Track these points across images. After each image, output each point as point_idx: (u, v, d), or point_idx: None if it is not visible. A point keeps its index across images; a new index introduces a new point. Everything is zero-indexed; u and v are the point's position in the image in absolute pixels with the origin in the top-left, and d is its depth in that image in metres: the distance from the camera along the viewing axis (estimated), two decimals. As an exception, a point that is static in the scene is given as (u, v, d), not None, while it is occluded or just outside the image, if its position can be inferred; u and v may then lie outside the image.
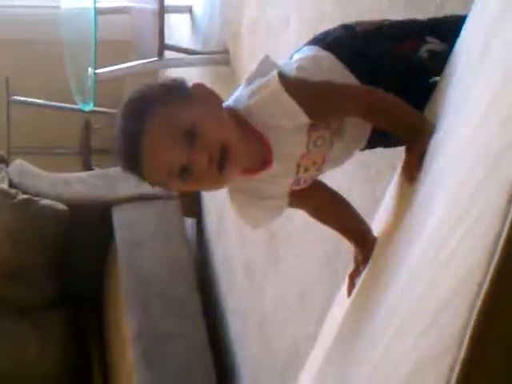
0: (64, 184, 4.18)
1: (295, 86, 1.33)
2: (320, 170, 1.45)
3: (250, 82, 1.37)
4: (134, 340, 3.54)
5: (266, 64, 1.38)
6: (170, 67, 4.30)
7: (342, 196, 1.56)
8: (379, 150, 1.70)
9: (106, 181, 4.19)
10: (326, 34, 1.52)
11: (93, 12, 3.79)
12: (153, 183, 1.36)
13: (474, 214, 0.84)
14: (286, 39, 3.08)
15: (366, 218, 1.57)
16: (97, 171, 4.68)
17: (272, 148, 1.36)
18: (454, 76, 1.32)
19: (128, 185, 4.04)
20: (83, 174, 4.44)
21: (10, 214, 3.94)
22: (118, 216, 4.03)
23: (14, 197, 3.96)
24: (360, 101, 1.37)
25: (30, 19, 5.34)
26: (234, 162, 1.32)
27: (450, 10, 1.87)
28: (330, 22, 1.58)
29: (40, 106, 5.30)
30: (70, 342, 4.14)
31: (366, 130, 1.44)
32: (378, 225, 1.51)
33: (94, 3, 3.81)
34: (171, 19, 4.53)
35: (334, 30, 1.52)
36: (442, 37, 1.50)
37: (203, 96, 1.35)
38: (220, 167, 1.29)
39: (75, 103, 4.43)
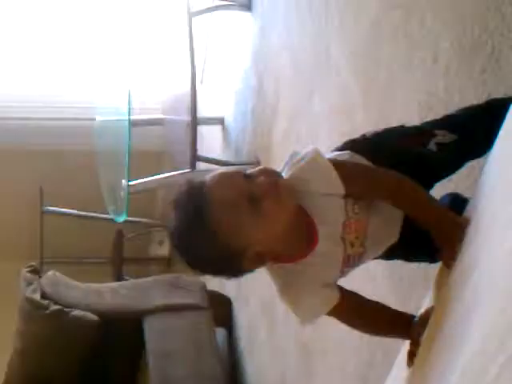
0: (96, 294, 4.17)
1: (334, 161, 1.38)
2: (364, 247, 1.44)
3: (285, 167, 1.42)
4: None
5: (294, 156, 1.41)
6: (203, 179, 4.33)
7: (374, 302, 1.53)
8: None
9: (138, 291, 4.18)
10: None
11: (127, 124, 3.86)
12: (244, 244, 1.34)
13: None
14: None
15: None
16: (128, 281, 4.68)
17: (314, 220, 1.37)
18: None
19: (159, 295, 4.03)
20: (115, 285, 4.44)
21: (42, 325, 3.94)
22: (150, 326, 4.00)
23: (47, 308, 3.96)
24: (391, 184, 1.41)
25: (65, 131, 5.45)
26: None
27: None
28: (358, 134, 1.60)
29: (73, 215, 5.35)
30: None
31: (399, 216, 1.47)
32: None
33: (129, 116, 3.88)
34: (203, 130, 4.61)
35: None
36: (451, 128, 1.55)
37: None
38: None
39: (107, 212, 4.47)
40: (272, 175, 1.35)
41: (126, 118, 3.90)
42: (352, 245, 1.43)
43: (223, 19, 4.76)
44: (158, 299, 4.01)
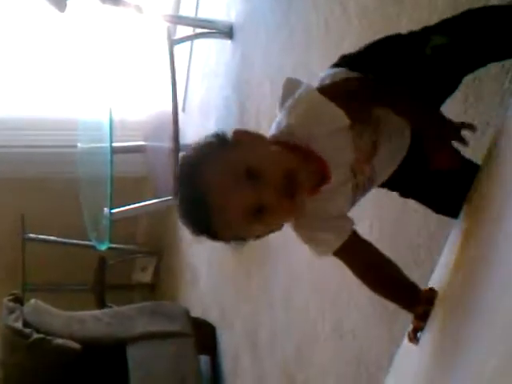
0: (78, 322, 4.15)
1: (329, 90, 1.36)
2: (374, 171, 1.45)
3: (282, 106, 1.40)
4: None
5: (292, 84, 1.41)
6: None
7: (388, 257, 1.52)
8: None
9: (120, 318, 4.17)
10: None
11: (109, 152, 3.86)
12: (230, 237, 1.37)
13: None
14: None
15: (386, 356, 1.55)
16: (111, 309, 4.67)
17: (324, 159, 1.37)
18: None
19: (142, 322, 4.02)
20: (97, 312, 4.42)
21: (25, 353, 3.91)
22: (133, 354, 3.98)
23: (29, 336, 3.94)
24: (385, 91, 1.41)
25: (46, 158, 5.43)
26: (302, 186, 1.33)
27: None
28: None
29: (55, 242, 5.33)
30: None
31: (405, 140, 1.48)
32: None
33: (110, 143, 3.88)
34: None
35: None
36: (446, 32, 1.53)
37: (247, 139, 1.37)
38: (290, 195, 1.31)
39: (90, 239, 4.46)
40: (285, 187, 1.31)
41: (108, 145, 3.90)
42: (362, 172, 1.44)
43: (205, 47, 4.77)
44: (141, 327, 4.00)
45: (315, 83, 1.46)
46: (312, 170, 1.37)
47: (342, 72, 1.49)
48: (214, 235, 1.36)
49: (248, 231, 1.37)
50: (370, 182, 1.48)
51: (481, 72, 1.80)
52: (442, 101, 1.58)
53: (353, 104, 1.36)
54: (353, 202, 1.47)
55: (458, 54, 1.50)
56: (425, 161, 1.44)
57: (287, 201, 1.31)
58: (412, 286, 1.49)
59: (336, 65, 1.55)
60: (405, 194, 1.68)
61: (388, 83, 1.43)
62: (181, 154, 1.35)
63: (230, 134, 1.38)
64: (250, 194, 1.29)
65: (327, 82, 1.45)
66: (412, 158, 1.52)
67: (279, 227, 1.40)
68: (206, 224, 1.33)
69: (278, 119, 1.41)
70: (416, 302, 1.44)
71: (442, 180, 1.55)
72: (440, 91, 1.55)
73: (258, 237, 1.40)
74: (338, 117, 1.34)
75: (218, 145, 1.36)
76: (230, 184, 1.29)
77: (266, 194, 1.29)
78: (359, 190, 1.46)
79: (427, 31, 1.55)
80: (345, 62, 1.54)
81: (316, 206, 1.40)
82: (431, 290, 1.44)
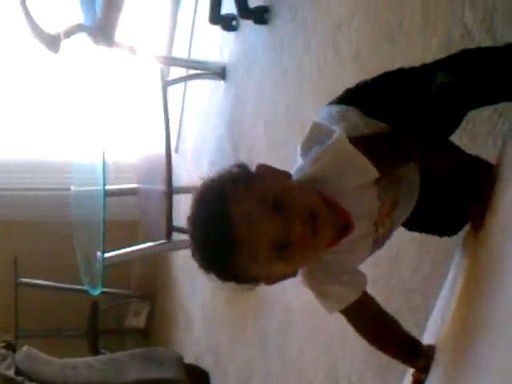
0: (71, 369, 4.08)
1: (361, 142, 1.31)
2: (392, 223, 1.43)
3: (305, 151, 1.36)
4: None
5: (319, 130, 1.36)
6: (179, 249, 4.29)
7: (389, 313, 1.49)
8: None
9: (114, 365, 4.10)
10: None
11: (102, 195, 3.82)
12: (248, 275, 1.30)
13: None
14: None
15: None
16: (104, 356, 4.60)
17: (348, 211, 1.33)
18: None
19: (135, 369, 3.96)
20: (90, 359, 4.36)
21: (16, 402, 3.84)
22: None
23: (21, 384, 3.87)
24: (415, 145, 1.37)
25: (39, 201, 5.40)
26: (325, 224, 1.28)
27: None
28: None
29: (48, 287, 5.28)
30: None
31: (416, 187, 1.47)
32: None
33: (103, 186, 3.84)
34: (180, 199, 4.57)
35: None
36: (451, 68, 1.49)
37: (272, 173, 1.33)
38: (315, 231, 1.26)
39: (83, 283, 4.40)
40: (309, 218, 1.27)
41: (101, 188, 3.86)
42: (383, 225, 1.41)
43: (198, 88, 4.76)
44: (134, 374, 3.93)
45: (315, 118, 1.44)
46: (334, 218, 1.32)
47: (352, 111, 1.45)
48: (231, 270, 1.29)
49: (269, 268, 1.29)
50: (388, 234, 1.46)
51: (474, 114, 1.78)
52: (448, 137, 1.55)
53: (384, 160, 1.33)
54: (369, 255, 1.45)
55: (463, 93, 1.47)
56: (430, 194, 1.46)
57: (311, 237, 1.26)
58: (412, 341, 1.47)
59: (341, 99, 1.52)
60: (412, 228, 1.66)
61: (414, 135, 1.39)
62: (200, 183, 1.27)
63: (252, 166, 1.34)
64: (278, 225, 1.24)
65: (338, 123, 1.40)
66: (421, 197, 1.50)
67: (295, 272, 1.35)
68: (227, 256, 1.25)
69: (299, 164, 1.37)
70: (416, 356, 1.42)
71: (445, 205, 1.55)
72: (445, 128, 1.52)
73: (273, 281, 1.35)
74: (368, 170, 1.30)
75: (242, 175, 1.31)
76: (258, 215, 1.24)
77: (292, 227, 1.24)
78: (378, 243, 1.44)
79: (431, 68, 1.53)
80: (351, 98, 1.50)
81: (334, 258, 1.37)
82: (431, 346, 1.42)
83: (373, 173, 1.30)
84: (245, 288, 1.26)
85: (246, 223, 1.24)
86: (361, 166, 1.30)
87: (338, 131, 1.32)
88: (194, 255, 1.31)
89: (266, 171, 1.33)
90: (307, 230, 1.25)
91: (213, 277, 1.31)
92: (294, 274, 1.35)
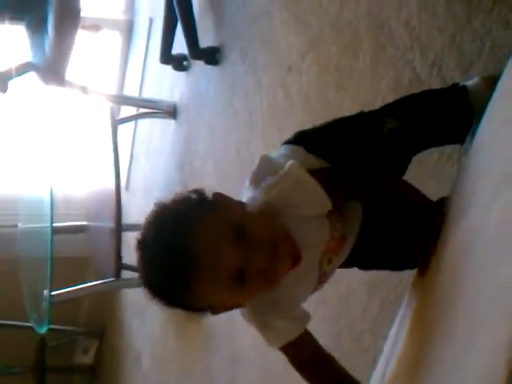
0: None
1: (317, 174, 1.31)
2: (338, 260, 1.43)
3: (257, 183, 1.34)
4: None
5: (269, 163, 1.37)
6: (128, 287, 4.27)
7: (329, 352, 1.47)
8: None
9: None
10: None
11: (49, 232, 3.79)
12: (203, 300, 1.27)
13: None
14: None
15: None
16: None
17: (297, 241, 1.30)
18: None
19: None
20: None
21: None
22: None
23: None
24: (377, 183, 1.39)
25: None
26: (285, 256, 1.27)
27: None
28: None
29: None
30: None
31: (358, 224, 1.46)
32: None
33: (51, 223, 3.82)
34: (129, 237, 4.56)
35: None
36: (398, 114, 1.55)
37: (228, 201, 1.30)
38: (273, 263, 1.24)
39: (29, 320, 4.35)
40: (274, 248, 1.25)
41: (49, 225, 3.83)
42: (330, 261, 1.40)
43: (149, 126, 4.77)
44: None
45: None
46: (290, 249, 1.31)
47: (301, 150, 1.46)
48: (186, 294, 1.25)
49: (224, 294, 1.26)
50: (333, 271, 1.45)
51: (425, 155, 1.82)
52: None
53: (338, 193, 1.33)
54: (313, 292, 1.43)
55: (410, 138, 1.53)
56: (377, 230, 1.47)
57: (271, 268, 1.25)
58: (350, 380, 1.45)
59: (291, 141, 1.52)
60: (364, 266, 1.67)
61: (367, 175, 1.42)
62: (154, 206, 1.25)
63: (207, 193, 1.31)
64: (239, 254, 1.21)
65: (287, 159, 1.38)
66: (365, 231, 1.50)
67: (242, 303, 1.33)
68: (184, 273, 1.22)
69: (250, 196, 1.35)
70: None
71: (399, 238, 1.56)
72: (395, 171, 1.56)
73: (222, 309, 1.31)
74: (323, 201, 1.30)
75: (199, 201, 1.28)
76: (220, 239, 1.22)
77: (253, 258, 1.22)
78: (323, 278, 1.43)
79: (379, 113, 1.57)
80: (302, 140, 1.51)
81: (278, 291, 1.33)
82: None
83: (326, 204, 1.30)
84: (193, 318, 1.22)
85: (207, 243, 1.21)
86: (315, 196, 1.29)
87: (291, 161, 1.32)
88: (145, 279, 1.28)
89: (222, 199, 1.30)
90: (268, 261, 1.24)
91: (161, 304, 1.28)
92: (243, 304, 1.34)
